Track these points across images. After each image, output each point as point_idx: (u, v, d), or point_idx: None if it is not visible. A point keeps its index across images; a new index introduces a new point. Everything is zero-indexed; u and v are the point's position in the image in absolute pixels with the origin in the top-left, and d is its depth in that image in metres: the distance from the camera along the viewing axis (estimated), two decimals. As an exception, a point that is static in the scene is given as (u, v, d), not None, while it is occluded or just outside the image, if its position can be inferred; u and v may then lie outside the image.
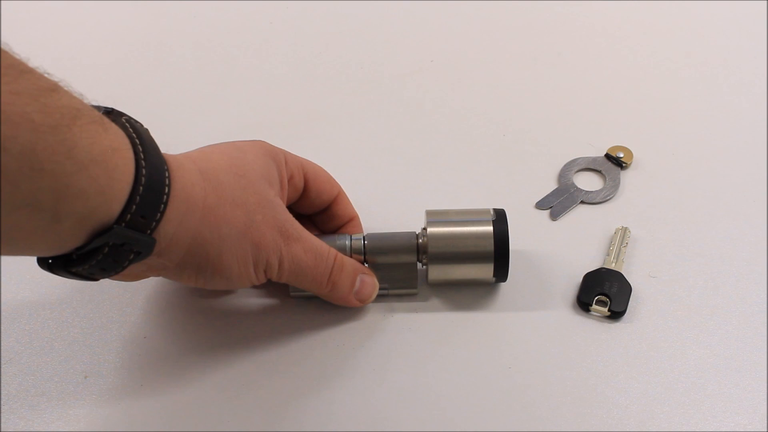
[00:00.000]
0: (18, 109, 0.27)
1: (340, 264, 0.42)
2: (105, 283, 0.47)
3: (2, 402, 0.42)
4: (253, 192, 0.39)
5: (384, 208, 0.52)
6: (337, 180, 0.47)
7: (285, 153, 0.43)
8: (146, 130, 0.35)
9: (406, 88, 0.64)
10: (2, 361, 0.44)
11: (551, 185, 0.54)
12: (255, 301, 0.47)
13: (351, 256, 0.44)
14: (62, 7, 0.72)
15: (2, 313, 0.46)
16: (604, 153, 0.56)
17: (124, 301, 0.47)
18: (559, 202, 0.53)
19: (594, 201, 0.53)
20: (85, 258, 0.32)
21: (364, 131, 0.59)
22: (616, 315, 0.45)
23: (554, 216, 0.52)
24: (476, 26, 0.71)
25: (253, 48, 0.68)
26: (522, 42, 0.69)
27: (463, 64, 0.66)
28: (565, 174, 0.55)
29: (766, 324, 0.45)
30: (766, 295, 0.46)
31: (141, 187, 0.32)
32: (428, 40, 0.69)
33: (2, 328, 0.45)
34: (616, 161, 0.55)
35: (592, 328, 0.45)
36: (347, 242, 0.44)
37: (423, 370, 0.43)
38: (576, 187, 0.54)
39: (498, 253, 0.43)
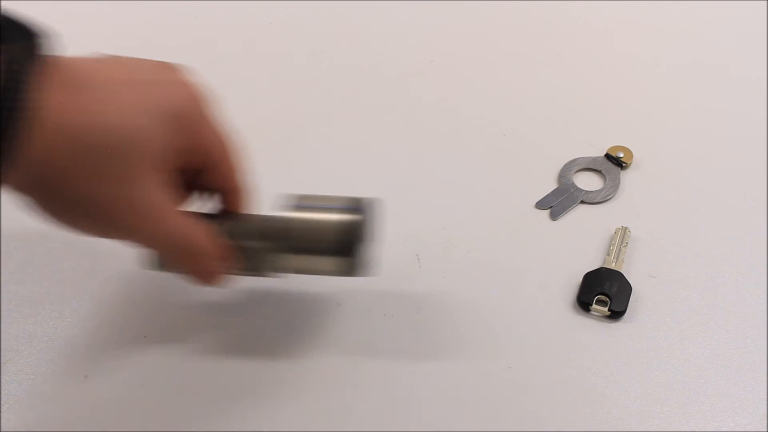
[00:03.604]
0: None
1: (195, 245, 0.39)
2: (105, 283, 0.48)
3: (2, 402, 0.42)
4: (123, 165, 0.35)
5: (382, 207, 0.51)
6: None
7: (203, 119, 0.39)
8: (24, 66, 0.31)
9: (406, 88, 0.64)
10: (2, 361, 0.43)
11: (551, 185, 0.54)
12: (255, 300, 0.47)
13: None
14: (62, 7, 0.72)
15: (2, 313, 0.46)
16: (604, 153, 0.56)
17: (124, 301, 0.47)
18: (559, 202, 0.53)
19: (594, 201, 0.53)
20: None
21: (364, 131, 0.59)
22: (616, 315, 0.45)
23: (554, 216, 0.52)
24: (476, 26, 0.71)
25: (254, 48, 0.68)
26: (522, 42, 0.69)
27: (463, 64, 0.66)
28: (565, 174, 0.55)
29: (766, 324, 0.45)
30: (766, 295, 0.46)
31: None
32: (428, 40, 0.69)
33: (2, 327, 0.45)
34: (616, 161, 0.55)
35: (592, 328, 0.45)
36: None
37: (423, 369, 0.43)
38: (576, 187, 0.54)
39: (345, 246, 0.39)
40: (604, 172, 0.55)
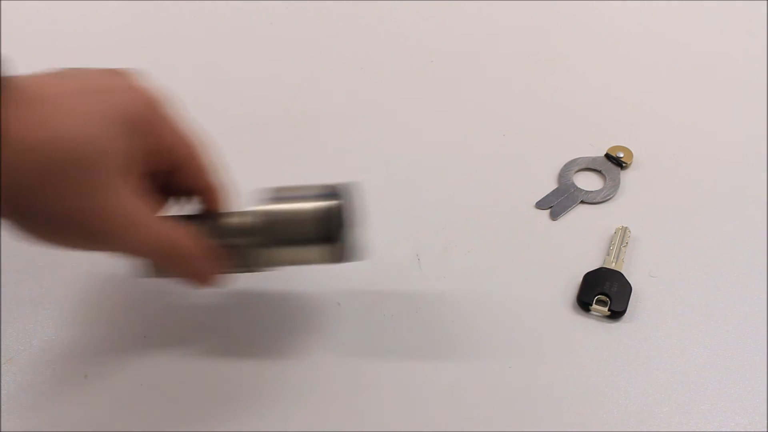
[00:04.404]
0: None
1: (180, 247, 0.38)
2: (105, 282, 0.48)
3: (2, 402, 0.42)
4: (89, 175, 0.34)
5: (382, 207, 0.52)
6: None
7: (162, 121, 0.38)
8: None
9: (406, 88, 0.64)
10: (2, 361, 0.43)
11: (551, 185, 0.54)
12: (255, 300, 0.47)
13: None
14: (62, 7, 0.72)
15: (2, 313, 0.46)
16: (604, 153, 0.56)
17: (124, 301, 0.47)
18: (559, 202, 0.53)
19: (594, 201, 0.53)
20: None
21: (364, 131, 0.59)
22: (616, 315, 0.45)
23: (554, 216, 0.52)
24: (476, 26, 0.71)
25: (253, 48, 0.68)
26: (522, 42, 0.69)
27: (463, 64, 0.66)
28: (565, 174, 0.55)
29: (766, 324, 0.45)
30: (766, 295, 0.46)
31: None
32: (428, 40, 0.69)
33: (2, 328, 0.45)
34: (616, 161, 0.55)
35: (592, 328, 0.45)
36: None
37: (423, 369, 0.43)
38: (576, 187, 0.54)
39: (322, 232, 0.38)
40: (604, 172, 0.55)
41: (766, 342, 0.44)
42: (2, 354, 0.44)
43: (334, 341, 0.44)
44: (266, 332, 0.45)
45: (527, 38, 0.69)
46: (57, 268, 0.49)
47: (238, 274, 0.42)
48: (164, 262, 0.39)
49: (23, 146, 0.32)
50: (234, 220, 0.40)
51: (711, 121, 0.60)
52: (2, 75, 0.31)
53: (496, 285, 0.47)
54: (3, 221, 0.34)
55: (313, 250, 0.39)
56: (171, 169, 0.40)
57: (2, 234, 0.50)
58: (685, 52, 0.67)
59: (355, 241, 0.40)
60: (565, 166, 0.55)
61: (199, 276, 0.40)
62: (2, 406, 0.41)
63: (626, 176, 0.55)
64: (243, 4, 0.73)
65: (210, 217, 0.41)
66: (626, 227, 0.50)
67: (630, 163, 0.55)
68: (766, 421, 0.40)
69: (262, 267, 0.41)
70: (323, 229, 0.38)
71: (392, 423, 0.40)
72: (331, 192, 0.39)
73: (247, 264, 0.41)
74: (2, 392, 0.42)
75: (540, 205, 0.53)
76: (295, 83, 0.64)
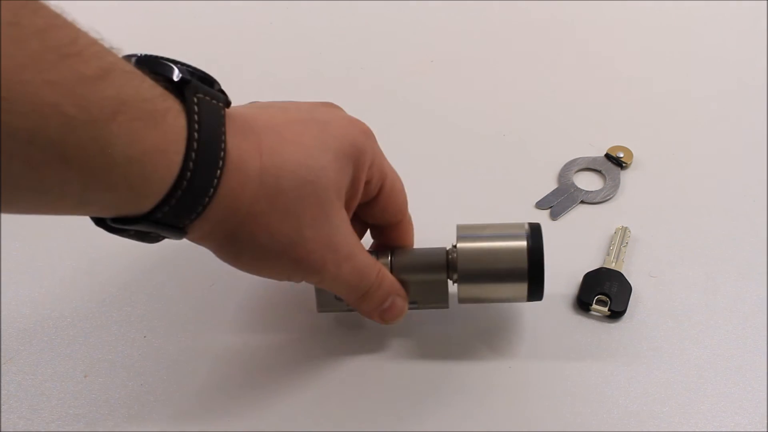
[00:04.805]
0: (49, 100, 0.25)
1: (378, 282, 0.39)
2: (105, 282, 0.48)
3: (2, 402, 0.42)
4: (315, 203, 0.34)
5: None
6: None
7: (375, 154, 0.39)
8: (217, 115, 0.31)
9: (406, 89, 0.64)
10: (2, 361, 0.43)
11: (551, 185, 0.54)
12: (255, 300, 0.47)
13: None
14: (62, 7, 0.72)
15: (2, 313, 0.46)
16: (604, 153, 0.56)
17: (124, 301, 0.47)
18: (559, 202, 0.53)
19: (594, 201, 0.53)
20: (114, 231, 0.32)
21: (364, 131, 0.59)
22: (616, 315, 0.45)
23: (554, 216, 0.52)
24: (476, 26, 0.71)
25: (253, 48, 0.68)
26: (522, 42, 0.69)
27: (463, 64, 0.66)
28: (565, 174, 0.55)
29: (766, 324, 0.45)
30: (766, 295, 0.46)
31: (180, 191, 0.30)
32: (428, 40, 0.69)
33: (2, 327, 0.45)
34: (616, 161, 0.55)
35: (592, 328, 0.45)
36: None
37: (422, 369, 0.43)
38: (576, 187, 0.54)
39: (532, 270, 0.40)
40: (604, 172, 0.55)
41: (766, 342, 0.44)
42: (2, 354, 0.44)
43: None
44: (268, 332, 0.45)
45: (527, 38, 0.69)
46: (57, 268, 0.49)
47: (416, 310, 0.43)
48: (360, 294, 0.39)
49: (250, 173, 0.32)
50: (433, 257, 0.42)
51: (711, 121, 0.59)
52: (219, 104, 0.31)
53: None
54: (212, 245, 0.34)
55: (514, 288, 0.40)
56: (368, 201, 0.40)
57: (2, 234, 0.50)
58: (686, 52, 0.67)
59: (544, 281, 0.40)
60: (565, 166, 0.55)
61: (391, 312, 0.41)
62: (2, 406, 0.41)
63: (626, 176, 0.55)
64: (243, 4, 0.73)
65: (402, 252, 0.42)
66: (626, 227, 0.50)
67: (630, 163, 0.55)
68: (766, 421, 0.40)
69: (444, 303, 0.42)
70: (530, 267, 0.40)
71: (392, 423, 0.40)
72: (534, 230, 0.41)
73: (437, 300, 0.42)
74: (2, 392, 0.42)
75: (540, 205, 0.53)
76: (295, 83, 0.64)
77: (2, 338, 0.45)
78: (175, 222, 0.31)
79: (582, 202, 0.53)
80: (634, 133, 0.58)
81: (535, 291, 0.41)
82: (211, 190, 0.31)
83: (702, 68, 0.65)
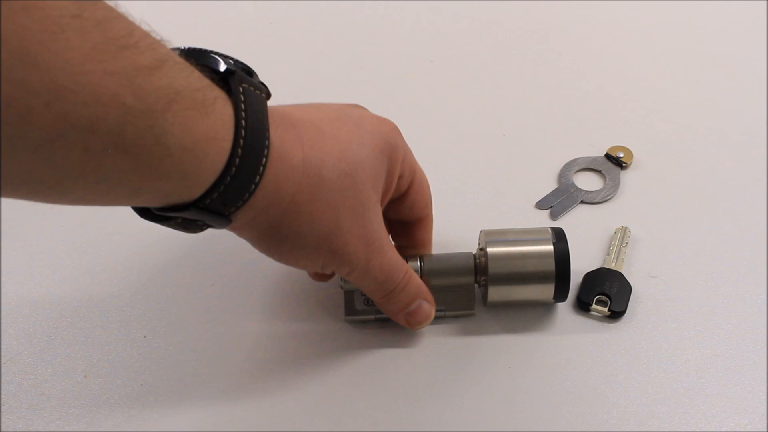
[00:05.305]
0: (110, 90, 0.25)
1: (404, 284, 0.40)
2: (105, 282, 0.48)
3: (2, 402, 0.42)
4: (353, 195, 0.35)
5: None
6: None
7: (405, 150, 0.40)
8: (262, 104, 0.32)
9: (406, 88, 0.64)
10: (2, 361, 0.44)
11: (551, 185, 0.54)
12: (255, 300, 0.47)
13: None
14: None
15: (2, 313, 0.46)
16: (604, 153, 0.56)
17: (124, 301, 0.47)
18: (559, 202, 0.53)
19: (594, 201, 0.53)
20: (160, 219, 0.32)
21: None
22: (616, 315, 0.45)
23: (554, 216, 0.52)
24: (476, 26, 0.71)
25: (253, 48, 0.68)
26: (522, 42, 0.69)
27: (463, 64, 0.66)
28: (565, 174, 0.55)
29: (766, 324, 0.45)
30: (766, 295, 0.46)
31: (229, 177, 0.31)
32: (428, 40, 0.69)
33: (2, 328, 0.45)
34: (616, 161, 0.55)
35: (592, 328, 0.45)
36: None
37: (422, 369, 0.43)
38: (576, 187, 0.54)
39: (559, 273, 0.42)
40: (604, 172, 0.55)
41: (766, 342, 0.44)
42: (2, 354, 0.44)
43: (336, 340, 0.44)
44: (269, 331, 0.45)
45: (527, 38, 0.69)
46: (57, 268, 0.49)
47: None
48: (383, 295, 0.40)
49: (293, 163, 0.33)
50: (459, 261, 0.43)
51: (711, 121, 0.59)
52: (262, 94, 0.33)
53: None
54: (252, 234, 0.35)
55: (541, 289, 0.43)
56: (399, 196, 0.41)
57: (2, 234, 0.50)
58: (686, 52, 0.67)
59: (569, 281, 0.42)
60: (565, 166, 0.55)
61: (414, 316, 0.41)
62: (2, 406, 0.41)
63: (626, 176, 0.55)
64: (243, 4, 0.73)
65: (431, 257, 0.44)
66: (626, 227, 0.50)
67: (630, 163, 0.55)
68: (766, 421, 0.40)
69: (470, 309, 0.44)
70: (558, 269, 0.42)
71: (391, 422, 0.40)
72: (559, 234, 0.43)
73: (465, 305, 0.44)
74: (2, 392, 0.42)
75: (540, 205, 0.53)
76: (295, 83, 0.64)
77: (2, 338, 0.45)
78: (221, 209, 0.32)
79: (582, 202, 0.53)
80: (634, 133, 0.58)
81: (561, 292, 0.43)
82: (258, 177, 0.32)
83: (702, 68, 0.65)
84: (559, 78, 0.64)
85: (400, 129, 0.40)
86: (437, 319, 0.43)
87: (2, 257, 0.49)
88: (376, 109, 0.62)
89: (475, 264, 0.43)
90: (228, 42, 0.69)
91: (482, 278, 0.43)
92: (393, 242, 0.44)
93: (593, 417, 0.40)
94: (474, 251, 0.44)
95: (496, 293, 0.43)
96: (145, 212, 0.32)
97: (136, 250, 0.49)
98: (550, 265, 0.42)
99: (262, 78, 0.36)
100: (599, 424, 0.40)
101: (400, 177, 0.40)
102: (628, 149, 0.56)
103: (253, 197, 0.32)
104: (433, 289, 0.42)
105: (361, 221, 0.36)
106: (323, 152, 0.35)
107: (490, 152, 0.57)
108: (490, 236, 0.43)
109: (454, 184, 0.54)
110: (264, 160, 0.32)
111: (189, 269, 0.48)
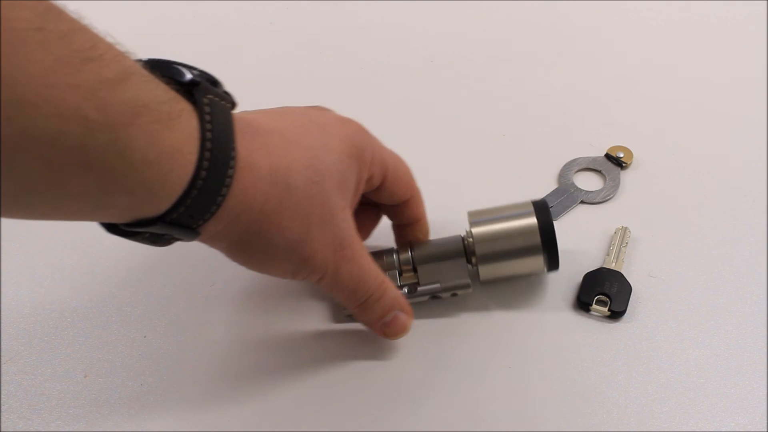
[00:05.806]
0: (72, 104, 0.25)
1: (379, 294, 0.40)
2: (105, 282, 0.48)
3: (2, 402, 0.42)
4: (321, 203, 0.35)
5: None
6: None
7: (374, 148, 0.39)
8: (227, 115, 0.32)
9: (406, 88, 0.64)
10: (2, 361, 0.44)
11: (551, 185, 0.54)
12: (256, 300, 0.47)
13: (401, 269, 0.44)
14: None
15: (2, 313, 0.46)
16: (604, 153, 0.56)
17: (124, 301, 0.47)
18: (559, 202, 0.53)
19: (594, 201, 0.53)
20: (127, 234, 0.32)
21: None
22: (616, 315, 0.45)
23: (554, 216, 0.52)
24: (476, 26, 0.71)
25: (253, 48, 0.68)
26: (522, 42, 0.69)
27: (463, 64, 0.66)
28: (565, 174, 0.55)
29: (766, 324, 0.45)
30: (766, 295, 0.46)
31: (195, 191, 0.30)
32: (428, 40, 0.69)
33: (2, 327, 0.45)
34: (616, 161, 0.55)
35: (592, 328, 0.45)
36: (395, 257, 0.44)
37: (422, 369, 0.43)
38: (576, 187, 0.54)
39: (546, 244, 0.43)
40: (604, 172, 0.55)
41: (766, 342, 0.44)
42: (2, 354, 0.44)
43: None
44: (269, 331, 0.45)
45: (527, 38, 0.69)
46: (57, 268, 0.49)
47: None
48: (357, 305, 0.40)
49: (261, 172, 0.33)
50: (448, 245, 0.45)
51: (711, 121, 0.59)
52: (227, 105, 0.32)
53: (496, 285, 0.47)
54: (223, 244, 0.35)
55: (531, 261, 0.43)
56: (369, 191, 0.41)
57: (2, 234, 0.50)
58: (686, 52, 0.67)
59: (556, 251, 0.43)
60: (565, 166, 0.55)
61: (390, 327, 0.41)
62: (2, 406, 0.41)
63: (626, 176, 0.55)
64: (243, 4, 0.73)
65: (421, 245, 0.45)
66: (626, 227, 0.50)
67: (630, 163, 0.55)
68: (766, 421, 0.40)
69: (466, 284, 0.44)
70: (544, 240, 0.43)
71: (390, 422, 0.40)
72: (540, 206, 0.44)
73: (458, 278, 0.44)
74: (2, 392, 0.42)
75: (540, 205, 0.53)
76: (295, 83, 0.64)
77: (2, 338, 0.45)
78: (189, 222, 0.31)
79: (582, 202, 0.53)
80: (634, 133, 0.58)
81: (552, 261, 0.44)
82: (225, 188, 0.31)
83: (702, 68, 0.65)
84: (559, 78, 0.64)
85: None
86: (435, 300, 0.44)
87: (2, 257, 0.49)
88: (377, 109, 0.62)
89: (464, 245, 0.44)
90: (228, 42, 0.69)
91: (473, 258, 0.44)
92: (394, 228, 0.46)
93: (593, 417, 0.40)
94: (463, 233, 0.45)
95: (487, 271, 0.44)
96: (112, 228, 0.32)
97: (137, 249, 0.49)
98: (536, 239, 0.43)
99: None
100: (599, 424, 0.40)
101: (371, 177, 0.40)
102: (628, 149, 0.56)
103: (221, 209, 0.32)
104: (425, 274, 0.44)
105: (329, 228, 0.36)
106: (290, 160, 0.34)
107: (490, 152, 0.57)
108: (474, 216, 0.45)
109: (454, 184, 0.54)
110: (230, 171, 0.31)
111: (189, 269, 0.48)
